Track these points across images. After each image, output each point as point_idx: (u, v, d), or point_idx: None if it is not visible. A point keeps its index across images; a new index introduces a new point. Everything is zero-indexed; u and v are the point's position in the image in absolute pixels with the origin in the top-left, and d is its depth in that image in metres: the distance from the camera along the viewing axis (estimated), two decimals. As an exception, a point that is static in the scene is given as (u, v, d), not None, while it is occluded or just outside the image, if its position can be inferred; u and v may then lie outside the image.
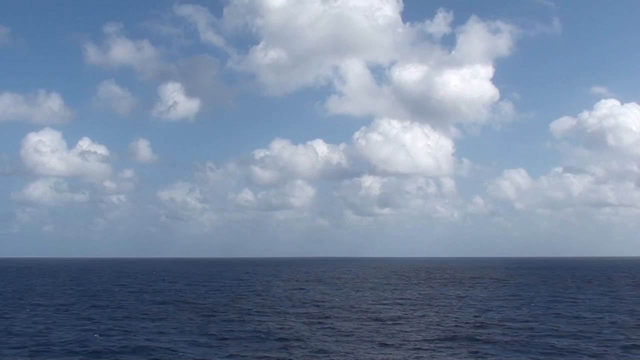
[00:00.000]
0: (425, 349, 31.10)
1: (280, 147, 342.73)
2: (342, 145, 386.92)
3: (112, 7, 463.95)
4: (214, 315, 45.05)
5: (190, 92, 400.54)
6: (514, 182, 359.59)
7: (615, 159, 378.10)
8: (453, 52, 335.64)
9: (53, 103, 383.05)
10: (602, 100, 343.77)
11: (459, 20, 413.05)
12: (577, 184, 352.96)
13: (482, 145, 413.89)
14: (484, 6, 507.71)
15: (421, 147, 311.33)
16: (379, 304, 54.06)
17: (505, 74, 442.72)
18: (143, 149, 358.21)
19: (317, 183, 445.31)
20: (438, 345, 32.16)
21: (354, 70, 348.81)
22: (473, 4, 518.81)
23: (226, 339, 34.60)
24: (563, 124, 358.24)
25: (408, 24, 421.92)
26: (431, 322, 41.24)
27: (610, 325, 38.80)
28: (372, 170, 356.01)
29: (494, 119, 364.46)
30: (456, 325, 39.06)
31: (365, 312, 47.03)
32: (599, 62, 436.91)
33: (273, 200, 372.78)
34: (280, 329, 38.04)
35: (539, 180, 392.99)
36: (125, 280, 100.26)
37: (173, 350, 30.89)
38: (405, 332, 36.77)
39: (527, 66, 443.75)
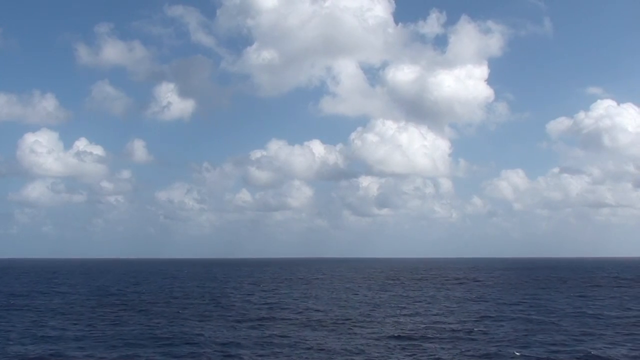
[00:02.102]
0: (335, 352, 30.05)
1: (277, 148, 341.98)
2: (339, 146, 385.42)
3: (101, 7, 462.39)
4: (156, 318, 44.12)
5: (184, 93, 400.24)
6: (512, 182, 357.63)
7: (612, 159, 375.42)
8: (446, 52, 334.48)
9: (48, 104, 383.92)
10: (599, 101, 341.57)
11: (451, 21, 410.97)
12: (575, 185, 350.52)
13: (478, 145, 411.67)
14: (475, 6, 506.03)
15: (417, 148, 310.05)
16: (338, 306, 52.91)
17: (498, 74, 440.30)
18: (139, 149, 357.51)
19: (315, 184, 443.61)
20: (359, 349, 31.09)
21: (347, 70, 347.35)
22: (464, 4, 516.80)
23: (149, 338, 33.80)
24: (559, 124, 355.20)
25: (400, 24, 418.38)
26: (373, 323, 40.25)
27: (556, 330, 37.59)
28: (369, 171, 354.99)
29: (489, 120, 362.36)
30: (395, 328, 38.00)
31: (321, 313, 46.01)
32: (593, 63, 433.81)
33: (271, 200, 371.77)
34: (213, 332, 37.07)
35: (537, 180, 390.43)
36: (101, 282, 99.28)
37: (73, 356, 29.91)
38: (341, 336, 35.78)
39: (520, 66, 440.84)
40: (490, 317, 43.83)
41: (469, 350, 30.28)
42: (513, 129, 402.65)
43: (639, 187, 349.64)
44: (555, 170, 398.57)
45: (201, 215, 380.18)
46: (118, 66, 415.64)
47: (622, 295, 65.06)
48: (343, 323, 40.61)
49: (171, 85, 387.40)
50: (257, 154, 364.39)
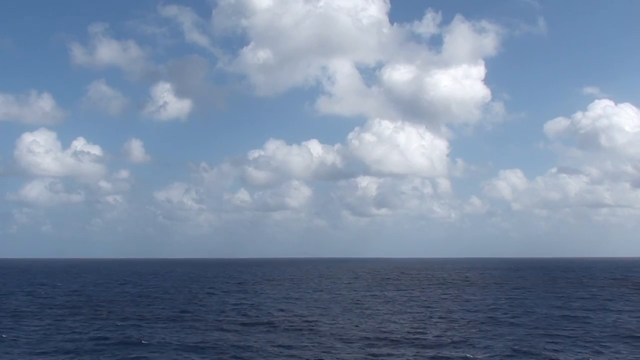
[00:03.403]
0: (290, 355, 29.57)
1: (275, 148, 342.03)
2: (337, 146, 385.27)
3: (95, 7, 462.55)
4: (123, 319, 43.67)
5: (180, 93, 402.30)
6: (510, 182, 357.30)
7: (610, 159, 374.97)
8: (441, 52, 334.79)
9: (45, 103, 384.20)
10: (596, 101, 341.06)
11: (446, 21, 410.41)
12: (573, 185, 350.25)
13: (475, 145, 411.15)
14: (469, 6, 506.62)
15: (415, 148, 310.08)
16: (314, 307, 52.36)
17: (494, 74, 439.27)
18: (136, 149, 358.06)
19: (313, 183, 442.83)
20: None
21: (343, 70, 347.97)
22: (459, 3, 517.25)
23: (100, 338, 33.60)
24: (557, 124, 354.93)
25: (396, 24, 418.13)
26: (337, 325, 39.74)
27: (521, 332, 37.01)
28: (367, 171, 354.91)
29: (486, 120, 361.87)
30: (357, 330, 37.46)
31: (287, 313, 45.48)
32: (590, 63, 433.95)
33: (269, 200, 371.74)
34: (171, 335, 36.64)
35: (535, 180, 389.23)
36: (88, 281, 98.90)
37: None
38: (298, 337, 35.29)
39: (516, 66, 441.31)
40: (457, 319, 43.20)
41: (420, 352, 29.75)
42: (510, 129, 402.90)
43: (637, 187, 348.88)
44: (553, 170, 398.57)
45: (200, 215, 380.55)
46: (113, 66, 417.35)
47: (604, 295, 64.40)
48: (307, 324, 40.13)
49: (167, 85, 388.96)
50: (254, 153, 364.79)
